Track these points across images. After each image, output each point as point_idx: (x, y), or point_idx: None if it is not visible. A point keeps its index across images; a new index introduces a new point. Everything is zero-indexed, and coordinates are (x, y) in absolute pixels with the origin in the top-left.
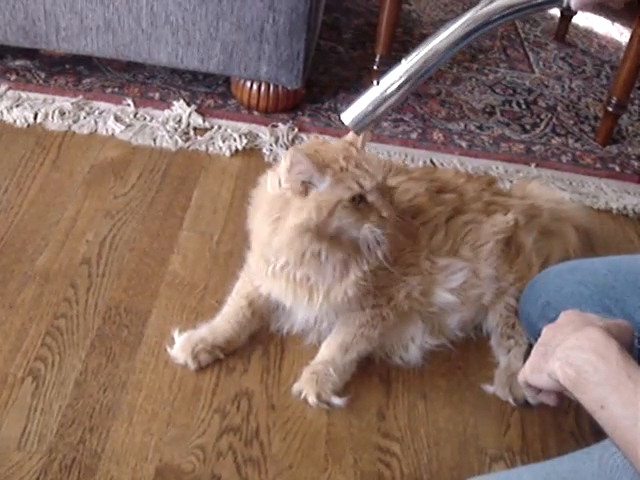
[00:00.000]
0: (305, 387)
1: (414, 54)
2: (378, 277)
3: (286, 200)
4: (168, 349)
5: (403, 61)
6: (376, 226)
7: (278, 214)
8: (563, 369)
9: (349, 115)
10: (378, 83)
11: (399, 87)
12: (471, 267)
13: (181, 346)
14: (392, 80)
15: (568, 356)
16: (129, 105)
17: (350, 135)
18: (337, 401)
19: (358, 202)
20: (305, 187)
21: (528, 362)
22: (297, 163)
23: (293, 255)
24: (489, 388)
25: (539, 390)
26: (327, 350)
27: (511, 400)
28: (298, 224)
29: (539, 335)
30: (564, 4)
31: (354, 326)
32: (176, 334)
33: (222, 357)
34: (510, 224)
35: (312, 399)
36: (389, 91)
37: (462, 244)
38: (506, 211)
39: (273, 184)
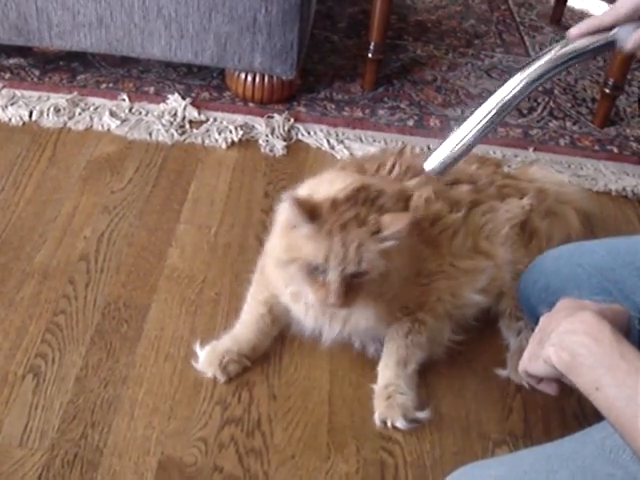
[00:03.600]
0: (389, 414)
1: (489, 101)
2: (403, 292)
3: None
4: (193, 364)
5: (480, 108)
6: (317, 303)
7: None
8: (557, 353)
9: (432, 162)
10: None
11: (478, 130)
12: (493, 263)
13: (207, 360)
14: (471, 125)
15: (562, 340)
16: (124, 100)
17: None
18: (423, 415)
19: (319, 272)
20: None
21: (526, 351)
22: (290, 206)
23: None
24: (502, 372)
25: (540, 380)
26: (388, 371)
27: (525, 383)
28: (269, 249)
29: (539, 318)
30: (617, 47)
31: (401, 337)
32: (198, 348)
33: (249, 365)
34: (526, 209)
35: (401, 423)
36: (469, 135)
37: (481, 236)
38: (520, 195)
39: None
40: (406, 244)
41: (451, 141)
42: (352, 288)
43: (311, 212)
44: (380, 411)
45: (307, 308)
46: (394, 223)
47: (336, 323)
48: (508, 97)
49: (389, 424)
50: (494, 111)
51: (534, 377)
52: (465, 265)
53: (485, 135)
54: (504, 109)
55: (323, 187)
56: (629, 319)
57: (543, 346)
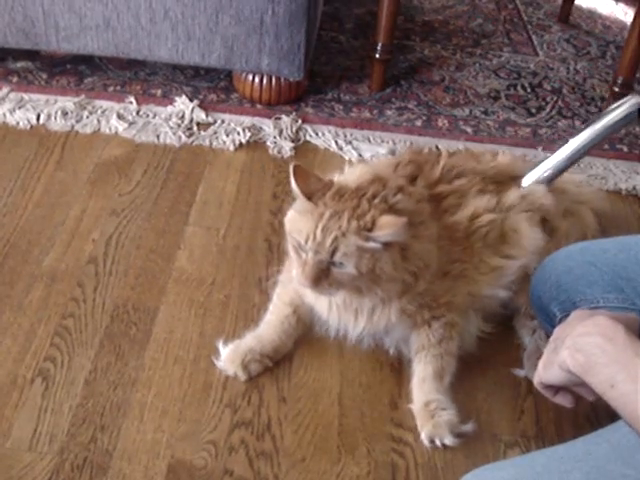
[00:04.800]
0: (437, 432)
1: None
2: (428, 292)
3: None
4: (215, 361)
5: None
6: (295, 280)
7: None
8: (572, 355)
9: (528, 180)
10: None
11: (569, 158)
12: (521, 262)
13: (229, 358)
14: (564, 152)
15: (576, 343)
16: (131, 103)
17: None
18: (468, 428)
19: (302, 250)
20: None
21: (541, 361)
22: (291, 176)
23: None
24: (520, 372)
25: (556, 392)
26: (426, 386)
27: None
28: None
29: (551, 317)
30: None
31: (433, 346)
32: (220, 345)
33: (271, 365)
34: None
35: (450, 440)
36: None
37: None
38: None
39: None
40: (435, 245)
41: (545, 164)
42: (328, 275)
43: (313, 190)
44: (427, 430)
45: (330, 305)
46: (386, 226)
47: (361, 318)
48: (601, 130)
49: (438, 443)
50: (586, 142)
51: (550, 389)
52: (493, 262)
53: (575, 162)
54: (592, 141)
55: (350, 174)
56: None
57: (557, 352)
